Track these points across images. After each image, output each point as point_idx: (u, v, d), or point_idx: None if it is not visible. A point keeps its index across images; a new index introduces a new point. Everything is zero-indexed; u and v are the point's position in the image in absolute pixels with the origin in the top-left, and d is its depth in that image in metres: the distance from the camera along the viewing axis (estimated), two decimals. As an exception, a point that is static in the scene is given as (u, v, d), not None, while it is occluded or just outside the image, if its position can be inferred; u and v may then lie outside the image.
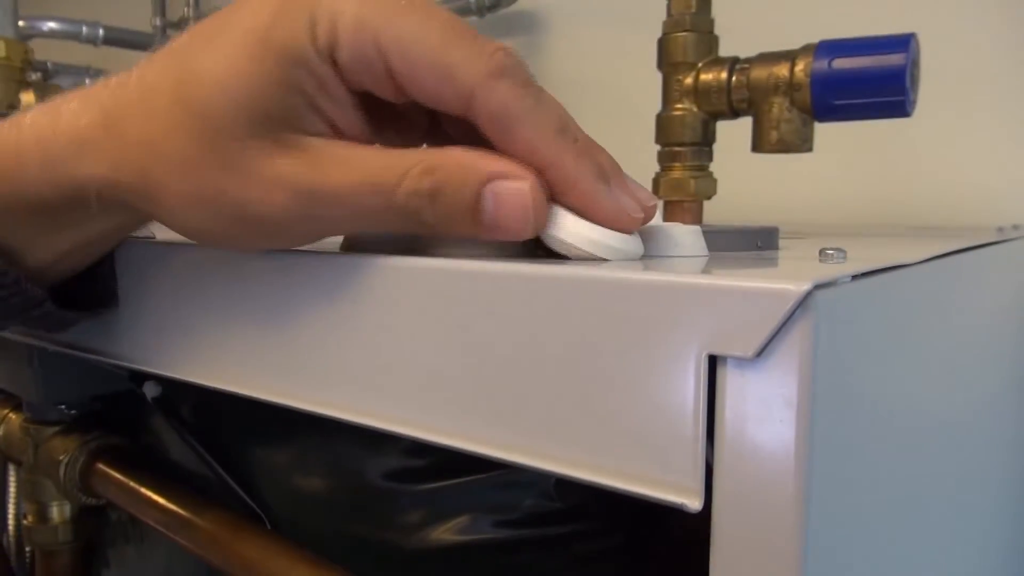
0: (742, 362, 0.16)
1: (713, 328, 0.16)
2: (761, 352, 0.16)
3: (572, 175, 0.21)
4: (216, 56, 0.22)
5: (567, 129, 0.22)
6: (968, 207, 0.64)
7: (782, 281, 0.16)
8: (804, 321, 0.15)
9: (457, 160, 0.22)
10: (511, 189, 0.21)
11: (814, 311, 0.15)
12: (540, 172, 0.21)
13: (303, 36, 0.21)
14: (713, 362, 0.17)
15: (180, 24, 1.27)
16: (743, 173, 0.52)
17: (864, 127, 0.50)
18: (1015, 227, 0.54)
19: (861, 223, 0.68)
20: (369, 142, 0.24)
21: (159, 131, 0.23)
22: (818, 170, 0.70)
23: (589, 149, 0.22)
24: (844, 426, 0.18)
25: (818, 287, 0.15)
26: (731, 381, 0.16)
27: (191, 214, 0.24)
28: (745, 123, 0.41)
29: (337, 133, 0.23)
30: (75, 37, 1.04)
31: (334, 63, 0.22)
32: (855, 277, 0.18)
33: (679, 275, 0.17)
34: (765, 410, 0.16)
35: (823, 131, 0.40)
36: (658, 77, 0.43)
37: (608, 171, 0.22)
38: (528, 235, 0.22)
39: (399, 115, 0.26)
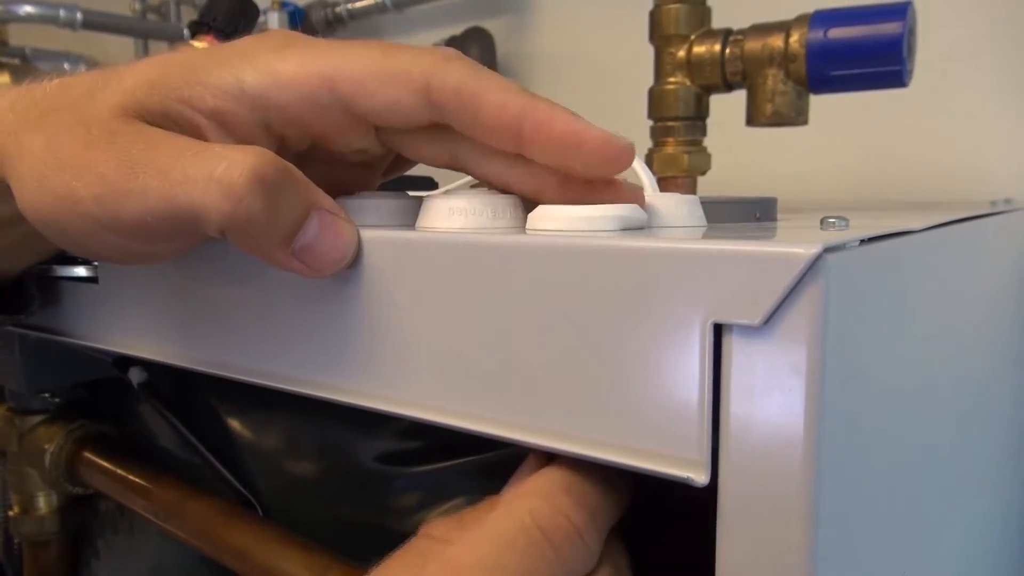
0: (749, 330, 0.16)
1: (718, 295, 0.16)
2: (769, 319, 0.15)
3: (549, 114, 0.21)
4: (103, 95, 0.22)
5: (528, 91, 0.22)
6: (960, 182, 0.64)
7: (790, 245, 0.15)
8: (814, 286, 0.15)
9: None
10: (339, 223, 0.21)
11: (824, 275, 0.15)
12: (516, 127, 0.21)
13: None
14: (718, 331, 0.16)
15: (160, 8, 1.24)
16: (732, 149, 0.51)
17: (855, 103, 0.50)
18: (1007, 201, 0.54)
19: (854, 198, 0.68)
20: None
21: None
22: (808, 146, 0.70)
23: (556, 103, 0.22)
24: (853, 394, 0.17)
25: (828, 250, 0.15)
26: (737, 350, 0.16)
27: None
28: (738, 97, 0.41)
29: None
30: (53, 21, 1.02)
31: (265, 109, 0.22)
32: (863, 242, 0.17)
33: (682, 241, 0.16)
34: (773, 379, 0.16)
35: (813, 107, 0.40)
36: (650, 51, 0.42)
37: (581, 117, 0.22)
38: (331, 275, 0.22)
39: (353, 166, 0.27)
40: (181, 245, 0.24)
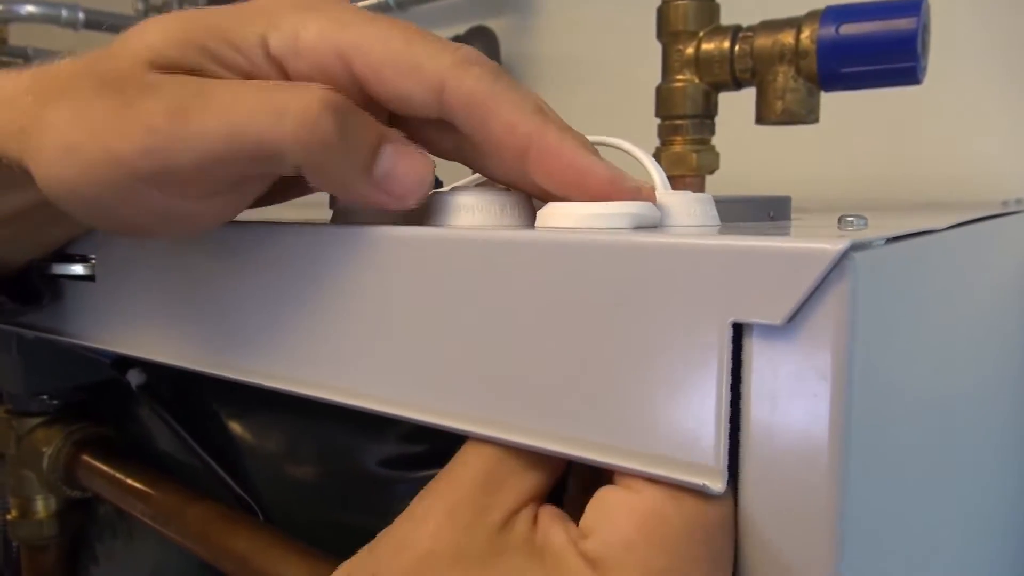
0: (771, 330, 0.15)
1: (738, 294, 0.15)
2: (792, 318, 0.15)
3: (557, 145, 0.20)
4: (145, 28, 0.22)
5: (544, 110, 0.21)
6: (969, 182, 0.63)
7: (815, 241, 0.14)
8: (840, 284, 0.14)
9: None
10: (412, 151, 0.21)
11: (852, 273, 0.14)
12: (523, 150, 0.20)
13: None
14: (738, 332, 0.15)
15: (163, 8, 1.24)
16: (737, 148, 0.50)
17: (865, 102, 0.49)
18: (1019, 201, 0.53)
19: (863, 199, 0.67)
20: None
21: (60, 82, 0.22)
22: (815, 145, 0.69)
23: (570, 128, 0.21)
24: (879, 400, 0.16)
25: (854, 248, 0.14)
26: (758, 351, 0.15)
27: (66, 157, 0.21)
28: (747, 95, 0.40)
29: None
30: (54, 21, 1.01)
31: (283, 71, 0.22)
32: (888, 240, 0.17)
33: (701, 238, 0.16)
34: (796, 383, 0.15)
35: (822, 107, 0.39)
36: (656, 50, 0.42)
37: (593, 148, 0.21)
38: (414, 203, 0.21)
39: None
40: (232, 200, 0.23)
